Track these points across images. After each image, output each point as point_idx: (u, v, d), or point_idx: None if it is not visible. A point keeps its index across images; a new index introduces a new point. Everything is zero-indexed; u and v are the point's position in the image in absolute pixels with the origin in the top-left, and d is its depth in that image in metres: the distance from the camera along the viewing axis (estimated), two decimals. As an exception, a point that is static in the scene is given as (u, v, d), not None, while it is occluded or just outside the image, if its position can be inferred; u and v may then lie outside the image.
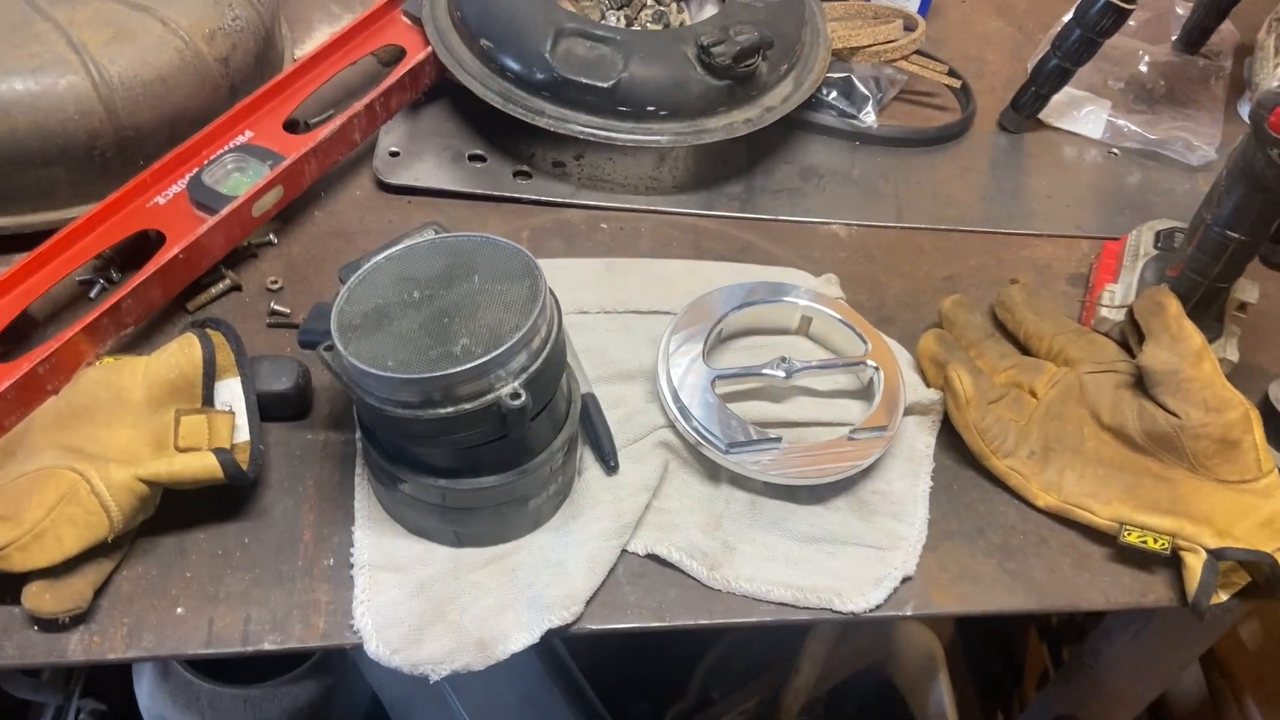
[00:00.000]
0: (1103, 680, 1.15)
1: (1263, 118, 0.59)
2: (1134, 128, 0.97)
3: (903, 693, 1.44)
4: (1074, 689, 1.21)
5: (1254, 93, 0.59)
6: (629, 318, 0.75)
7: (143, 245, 0.72)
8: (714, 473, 0.67)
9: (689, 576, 0.62)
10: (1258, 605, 1.39)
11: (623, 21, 0.93)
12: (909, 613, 0.62)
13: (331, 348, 0.55)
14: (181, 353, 0.62)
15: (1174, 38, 1.08)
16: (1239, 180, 0.65)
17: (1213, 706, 1.38)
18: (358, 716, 1.07)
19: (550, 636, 0.59)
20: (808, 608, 0.62)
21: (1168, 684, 1.15)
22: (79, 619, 0.56)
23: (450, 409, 0.53)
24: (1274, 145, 0.60)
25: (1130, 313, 0.72)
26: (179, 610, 0.58)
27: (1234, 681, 1.36)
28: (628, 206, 0.84)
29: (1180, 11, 1.09)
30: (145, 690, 1.00)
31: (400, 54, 0.85)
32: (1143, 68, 1.04)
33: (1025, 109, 0.96)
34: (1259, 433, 0.66)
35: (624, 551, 0.63)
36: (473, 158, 0.85)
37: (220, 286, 0.73)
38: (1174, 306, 0.69)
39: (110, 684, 1.04)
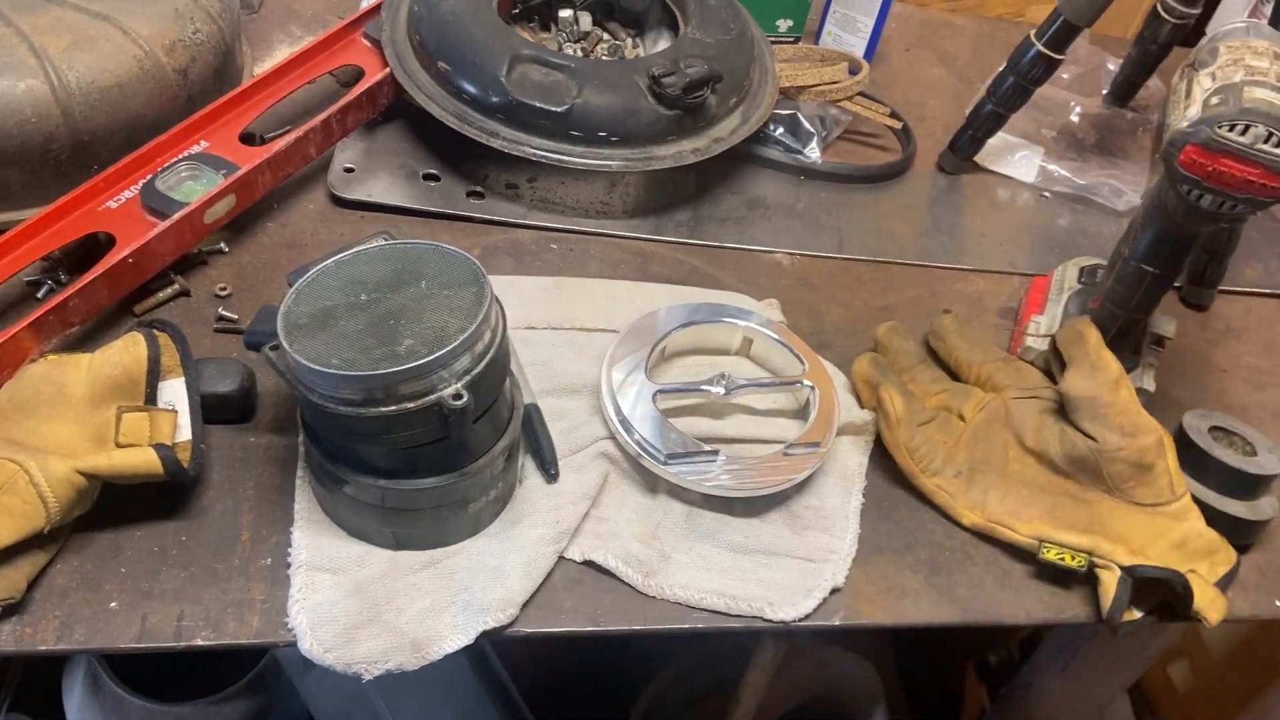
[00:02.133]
0: (1035, 713, 1.17)
1: (1173, 156, 0.62)
2: (1064, 173, 1.02)
3: (841, 730, 1.45)
4: (1007, 721, 1.23)
5: (1166, 134, 0.63)
6: (575, 334, 0.77)
7: (92, 250, 0.73)
8: (653, 484, 0.69)
9: (624, 584, 0.63)
10: (1187, 646, 1.43)
11: (579, 53, 0.96)
12: (837, 623, 0.64)
13: (277, 347, 0.56)
14: (126, 350, 0.62)
15: (1104, 91, 1.13)
16: (1153, 217, 0.69)
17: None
18: (291, 737, 1.06)
19: (485, 638, 0.60)
20: (739, 615, 0.63)
21: (1097, 717, 1.18)
22: (11, 610, 0.56)
23: (393, 407, 0.54)
24: (1183, 183, 0.63)
25: (1053, 342, 0.75)
26: (112, 605, 0.58)
27: (1162, 718, 1.40)
28: (578, 229, 0.86)
29: (1111, 67, 1.14)
30: (75, 706, 0.98)
31: (359, 75, 0.87)
32: (1074, 118, 1.09)
33: (962, 151, 1.00)
34: (1172, 458, 0.70)
35: (561, 558, 0.64)
36: (427, 176, 0.86)
37: (169, 291, 0.73)
38: (1093, 336, 0.72)
39: (39, 699, 1.02)
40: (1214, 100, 0.62)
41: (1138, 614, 0.67)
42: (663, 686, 1.34)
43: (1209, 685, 1.39)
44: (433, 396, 0.55)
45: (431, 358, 0.54)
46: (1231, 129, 0.60)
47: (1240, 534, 0.71)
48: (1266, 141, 0.60)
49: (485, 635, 0.60)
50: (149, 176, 0.74)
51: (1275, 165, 0.60)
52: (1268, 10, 0.95)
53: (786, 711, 1.38)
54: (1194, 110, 0.63)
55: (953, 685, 1.63)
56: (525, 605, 0.61)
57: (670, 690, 1.35)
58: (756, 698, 1.31)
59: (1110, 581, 0.65)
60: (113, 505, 0.61)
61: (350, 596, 0.59)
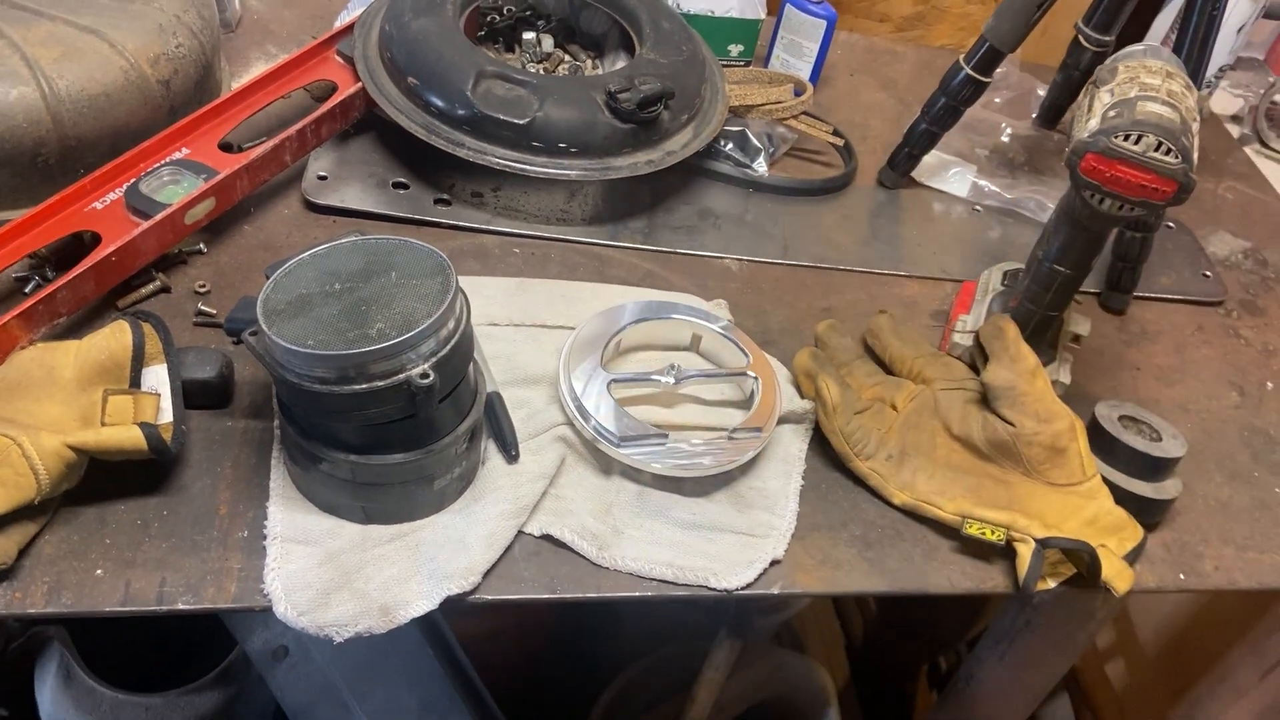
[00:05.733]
0: (975, 702, 1.23)
1: (1076, 164, 0.69)
2: (995, 189, 1.09)
3: (796, 728, 1.49)
4: (950, 713, 1.28)
5: (1070, 144, 0.70)
6: (536, 330, 0.82)
7: (78, 250, 0.77)
8: (607, 466, 0.74)
9: (580, 556, 0.68)
10: (1122, 645, 1.49)
11: (541, 71, 1.02)
12: (776, 590, 0.69)
13: (256, 332, 0.61)
14: (112, 337, 0.67)
15: (1034, 115, 1.21)
16: (1063, 221, 0.76)
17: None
18: (260, 727, 1.09)
19: (449, 604, 0.64)
20: (686, 584, 0.68)
21: (1034, 705, 1.23)
22: (2, 575, 0.60)
23: (364, 385, 0.59)
24: (1086, 188, 0.70)
25: (977, 337, 0.82)
26: (98, 572, 0.61)
27: (1099, 714, 1.45)
28: (540, 235, 0.92)
29: (1040, 93, 1.22)
30: (47, 696, 1.00)
31: (332, 89, 0.92)
32: (1005, 138, 1.17)
33: (900, 167, 1.07)
34: (1083, 441, 0.76)
35: (521, 532, 0.68)
36: (396, 185, 0.92)
37: (150, 287, 0.78)
38: (1012, 331, 0.79)
39: (11, 690, 1.04)
40: (1111, 113, 0.69)
41: (1052, 584, 0.73)
42: (622, 687, 1.38)
43: (1143, 683, 1.45)
44: (401, 376, 0.60)
45: (400, 339, 0.59)
46: (1126, 139, 0.67)
47: (1147, 512, 0.77)
48: (1157, 150, 0.67)
49: (449, 601, 0.64)
50: (133, 180, 0.78)
51: (1165, 171, 0.67)
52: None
53: (741, 713, 1.42)
54: (1094, 123, 0.69)
55: (905, 691, 1.68)
56: (487, 574, 0.65)
57: (629, 691, 1.39)
58: (712, 696, 1.36)
59: (1026, 552, 0.71)
60: (99, 482, 0.65)
61: (322, 565, 0.64)
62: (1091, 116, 0.71)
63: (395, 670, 1.00)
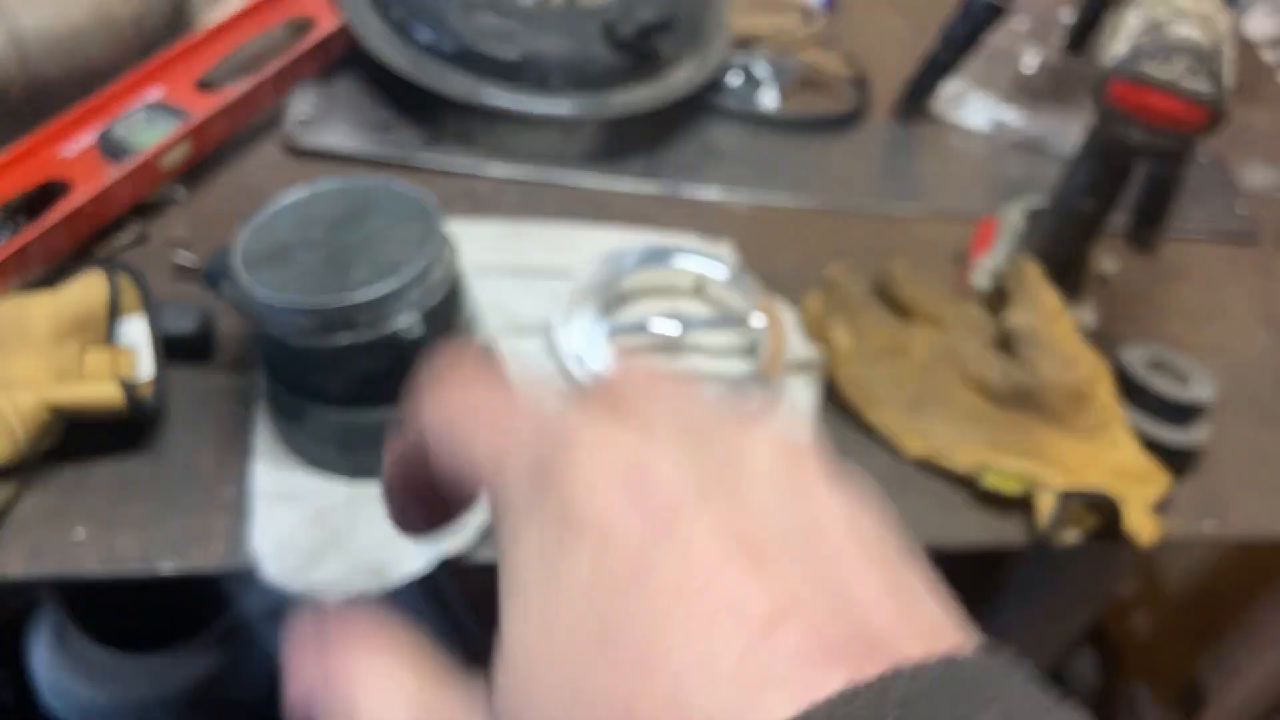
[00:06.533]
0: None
1: (1100, 91, 0.65)
2: (1018, 121, 1.04)
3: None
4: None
5: (1095, 70, 0.66)
6: (531, 278, 0.78)
7: (52, 198, 0.74)
8: (607, 419, 0.70)
9: (579, 512, 0.65)
10: (1146, 595, 1.47)
11: (532, 1, 0.96)
12: (784, 546, 0.66)
13: (235, 282, 0.57)
14: (87, 289, 0.63)
15: (1057, 40, 1.15)
16: (1088, 154, 0.72)
17: (1105, 689, 1.45)
18: (258, 689, 1.07)
19: (443, 565, 0.62)
20: (690, 540, 0.65)
21: (1056, 658, 1.22)
22: (-24, 540, 0.57)
23: (348, 337, 0.56)
24: (1112, 117, 0.66)
25: (996, 279, 0.78)
26: (79, 534, 0.59)
27: (1124, 664, 1.44)
28: (533, 179, 0.88)
29: (1064, 17, 1.16)
30: (42, 659, 0.99)
31: (313, 24, 0.88)
32: (1028, 66, 1.11)
33: (915, 100, 1.02)
34: (1108, 387, 0.72)
35: (517, 489, 0.66)
36: (383, 126, 0.87)
37: (126, 237, 0.74)
38: (1033, 272, 0.75)
39: (4, 654, 1.03)
40: (1139, 37, 0.64)
41: (1073, 535, 0.70)
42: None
43: (1169, 633, 1.43)
44: (387, 326, 0.57)
45: (386, 289, 0.55)
46: (1154, 63, 0.63)
47: (1174, 460, 0.73)
48: (1187, 76, 0.62)
49: (443, 561, 0.62)
50: (106, 123, 0.75)
51: (1196, 97, 0.62)
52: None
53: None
54: (1120, 46, 0.65)
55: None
56: (484, 533, 0.63)
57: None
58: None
59: (1046, 503, 0.68)
60: (77, 441, 0.62)
61: (311, 524, 0.61)
62: (1117, 40, 0.66)
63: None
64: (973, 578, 1.53)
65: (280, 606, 0.93)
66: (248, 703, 1.06)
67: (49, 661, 0.99)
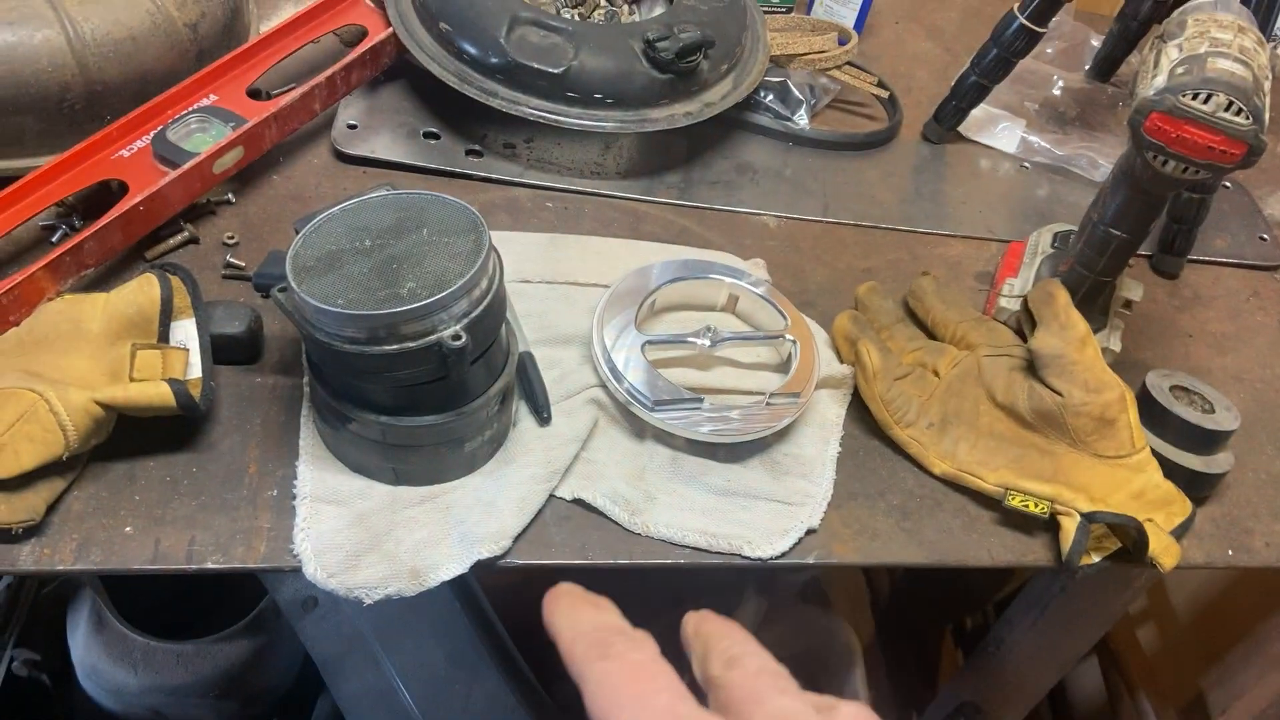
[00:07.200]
0: (1004, 667, 1.22)
1: (1139, 123, 0.66)
2: (1045, 145, 1.05)
3: (820, 685, 1.49)
4: (978, 678, 1.27)
5: (1133, 102, 0.67)
6: (568, 288, 0.80)
7: (105, 198, 0.76)
8: (640, 430, 0.72)
9: (611, 521, 0.67)
10: (1154, 609, 1.47)
11: (576, 17, 0.98)
12: (811, 560, 0.68)
13: (286, 288, 0.59)
14: (141, 290, 0.65)
15: (1087, 67, 1.16)
16: (1121, 183, 0.73)
17: (1109, 703, 1.45)
18: (289, 676, 1.09)
19: (479, 569, 0.63)
20: (719, 552, 0.67)
21: (1064, 672, 1.22)
22: (31, 531, 0.59)
23: (395, 346, 0.58)
24: (1149, 149, 0.67)
25: (1025, 302, 0.79)
26: (127, 529, 0.61)
27: (1130, 679, 1.44)
28: (572, 189, 0.89)
29: (1094, 43, 1.17)
30: (79, 642, 1.02)
31: (362, 34, 0.90)
32: (1057, 92, 1.12)
33: (946, 121, 1.03)
34: (1133, 413, 0.73)
35: (552, 496, 0.67)
36: (427, 135, 0.89)
37: (178, 238, 0.76)
38: (1063, 297, 0.76)
39: (44, 635, 1.05)
40: (1179, 70, 0.65)
41: (1096, 558, 0.71)
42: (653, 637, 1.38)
43: (1175, 647, 1.43)
44: (433, 337, 0.58)
45: (432, 299, 0.57)
46: (1195, 97, 0.64)
47: (1197, 486, 0.74)
48: (1227, 110, 0.63)
49: (479, 565, 0.63)
50: (160, 127, 0.77)
51: (1235, 132, 0.63)
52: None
53: (766, 668, 1.42)
54: (1160, 79, 0.66)
55: (930, 649, 1.67)
56: (517, 539, 0.64)
57: (659, 641, 1.40)
58: (738, 652, 1.35)
59: (1070, 527, 0.69)
60: (127, 438, 0.64)
61: (352, 526, 0.63)
62: (1158, 73, 0.67)
63: (424, 623, 1.00)
64: (982, 585, 1.54)
65: (311, 598, 0.95)
66: (277, 691, 1.08)
67: (86, 645, 1.01)
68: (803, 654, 1.45)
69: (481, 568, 0.63)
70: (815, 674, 1.45)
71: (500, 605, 1.05)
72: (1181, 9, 0.72)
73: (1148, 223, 0.74)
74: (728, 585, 1.29)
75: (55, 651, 1.04)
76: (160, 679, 1.00)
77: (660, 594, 1.35)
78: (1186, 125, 0.64)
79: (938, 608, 1.68)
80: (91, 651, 1.01)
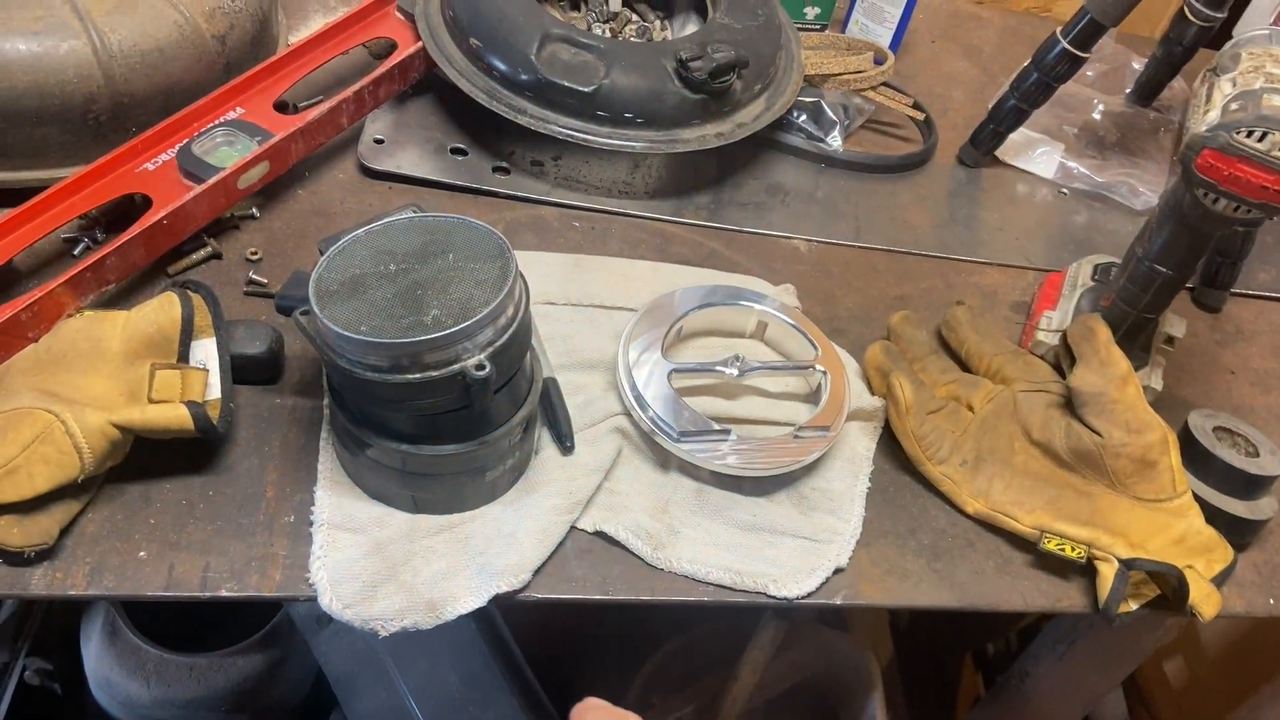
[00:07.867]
0: (1029, 701, 1.19)
1: (1190, 160, 0.63)
2: (1084, 170, 1.03)
3: (837, 709, 1.47)
4: (1001, 710, 1.25)
5: (1185, 137, 0.64)
6: (594, 311, 0.78)
7: (128, 210, 0.75)
8: (664, 461, 0.70)
9: (633, 555, 0.65)
10: (1182, 643, 1.44)
11: (608, 34, 0.97)
12: (839, 601, 0.66)
13: (308, 312, 0.58)
14: (161, 309, 0.64)
15: (1128, 90, 1.14)
16: (1169, 218, 0.70)
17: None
18: (302, 691, 1.08)
19: (497, 602, 0.62)
20: (744, 590, 0.65)
21: (1090, 708, 1.19)
22: (44, 555, 0.58)
23: (418, 375, 0.56)
24: (1200, 186, 0.64)
25: (1064, 337, 0.76)
26: (141, 554, 0.60)
27: (1156, 715, 1.41)
28: (600, 208, 0.88)
29: (1136, 66, 1.15)
30: (92, 653, 1.01)
31: (391, 47, 0.89)
32: (1096, 116, 1.10)
33: (983, 145, 1.01)
34: (1175, 455, 0.71)
35: (573, 528, 0.66)
36: (454, 151, 0.88)
37: (201, 254, 0.75)
38: (1104, 333, 0.74)
39: (57, 644, 1.05)
40: (1233, 106, 0.63)
41: (1134, 606, 0.69)
42: (663, 660, 1.37)
43: (1203, 683, 1.40)
44: (456, 366, 0.57)
45: (457, 328, 0.55)
46: (1249, 135, 0.61)
47: (1239, 533, 0.72)
48: (1283, 148, 0.61)
49: (497, 599, 0.62)
50: (185, 141, 0.76)
51: (1290, 172, 0.61)
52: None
53: (783, 690, 1.40)
54: (1213, 115, 0.64)
55: (950, 673, 1.65)
56: (537, 572, 0.63)
57: (672, 662, 1.38)
58: (756, 675, 1.34)
59: (1108, 573, 0.67)
60: (143, 459, 0.63)
61: (369, 555, 0.62)
62: (1210, 108, 0.65)
63: (439, 644, 0.99)
64: (1009, 613, 1.51)
65: (326, 614, 0.94)
66: (289, 706, 1.07)
67: (99, 657, 1.01)
68: (821, 677, 1.43)
69: (500, 601, 0.62)
70: (834, 698, 1.43)
71: (517, 628, 1.03)
72: (1234, 41, 0.70)
73: (1195, 260, 0.71)
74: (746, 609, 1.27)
75: (67, 661, 1.04)
76: (173, 692, 0.99)
77: (678, 612, 1.34)
78: (1240, 163, 0.62)
79: (959, 632, 1.66)
80: (104, 662, 1.00)
